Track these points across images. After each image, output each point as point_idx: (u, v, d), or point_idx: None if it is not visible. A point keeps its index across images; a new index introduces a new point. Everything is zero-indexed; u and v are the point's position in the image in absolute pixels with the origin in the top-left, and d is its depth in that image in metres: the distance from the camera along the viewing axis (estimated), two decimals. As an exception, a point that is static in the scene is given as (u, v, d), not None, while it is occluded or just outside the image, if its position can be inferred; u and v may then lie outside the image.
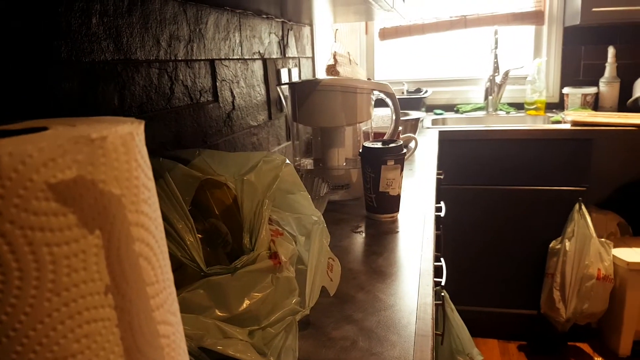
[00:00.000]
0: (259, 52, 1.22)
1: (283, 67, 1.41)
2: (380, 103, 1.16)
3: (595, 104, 2.22)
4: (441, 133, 1.94)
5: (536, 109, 2.28)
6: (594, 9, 1.99)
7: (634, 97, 2.11)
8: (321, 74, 1.81)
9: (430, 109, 2.48)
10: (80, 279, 0.23)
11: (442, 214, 1.37)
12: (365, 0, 1.04)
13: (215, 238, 0.55)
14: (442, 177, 1.60)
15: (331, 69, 1.66)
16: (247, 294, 0.48)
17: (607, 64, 2.19)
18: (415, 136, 1.38)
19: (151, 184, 0.27)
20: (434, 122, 2.28)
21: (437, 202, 1.49)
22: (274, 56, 1.33)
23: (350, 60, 1.86)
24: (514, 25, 2.35)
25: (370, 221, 0.95)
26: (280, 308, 0.50)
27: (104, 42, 0.65)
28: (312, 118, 1.07)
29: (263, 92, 1.25)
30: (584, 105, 2.20)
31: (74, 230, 0.23)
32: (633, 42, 2.21)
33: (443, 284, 1.10)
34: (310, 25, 1.71)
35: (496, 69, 2.30)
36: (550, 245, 1.92)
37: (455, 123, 2.33)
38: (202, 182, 0.53)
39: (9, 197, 0.21)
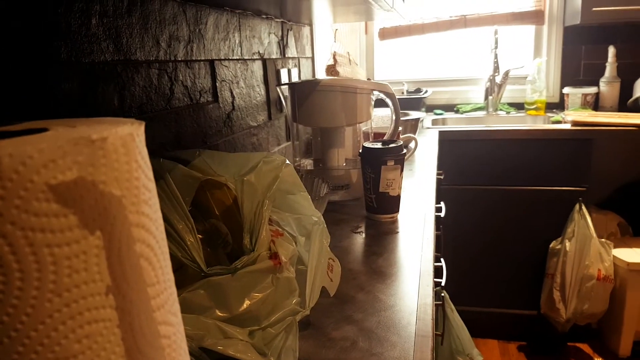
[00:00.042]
0: (259, 52, 1.22)
1: (283, 67, 1.41)
2: (380, 103, 1.16)
3: (596, 104, 2.22)
4: (441, 133, 1.94)
5: (536, 109, 2.28)
6: (594, 9, 1.98)
7: (634, 97, 2.11)
8: (321, 74, 1.81)
9: (430, 109, 2.48)
10: (81, 280, 0.23)
11: (442, 214, 1.37)
12: (365, 0, 1.04)
13: (215, 238, 0.56)
14: (442, 177, 1.60)
15: (331, 69, 1.66)
16: (247, 295, 0.48)
17: (607, 64, 2.18)
18: (415, 136, 1.38)
19: (151, 184, 0.28)
20: (434, 122, 2.28)
21: (437, 202, 1.49)
22: (274, 56, 1.33)
23: (350, 60, 1.86)
24: (514, 25, 2.35)
25: (370, 221, 0.96)
26: (280, 308, 0.50)
27: (103, 43, 0.65)
28: (312, 118, 1.07)
29: (263, 92, 1.25)
30: (584, 105, 2.20)
31: (74, 231, 0.23)
32: (633, 42, 2.21)
33: (443, 284, 1.10)
34: (310, 25, 1.71)
35: (496, 68, 2.30)
36: (551, 245, 1.92)
37: (455, 123, 2.33)
38: (202, 182, 0.53)
39: (9, 198, 0.21)
